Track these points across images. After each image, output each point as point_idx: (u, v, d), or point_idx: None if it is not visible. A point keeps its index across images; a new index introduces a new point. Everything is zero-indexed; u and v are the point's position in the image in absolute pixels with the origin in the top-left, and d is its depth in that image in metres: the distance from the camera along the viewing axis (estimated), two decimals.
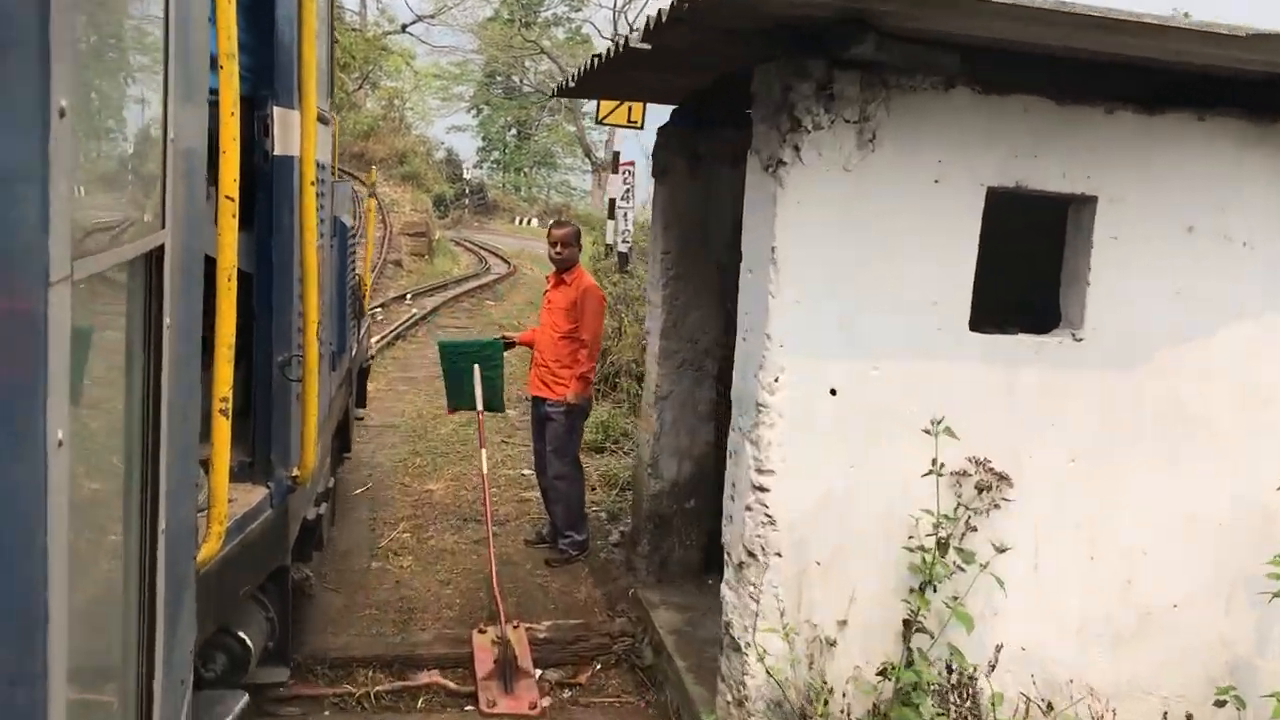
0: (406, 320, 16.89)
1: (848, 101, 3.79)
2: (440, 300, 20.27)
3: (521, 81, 55.47)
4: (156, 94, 1.95)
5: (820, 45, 3.74)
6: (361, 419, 9.11)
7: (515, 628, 5.78)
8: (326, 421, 4.87)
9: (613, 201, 18.30)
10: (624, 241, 14.64)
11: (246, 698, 3.27)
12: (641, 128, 17.01)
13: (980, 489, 4.01)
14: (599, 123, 17.12)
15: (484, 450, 6.28)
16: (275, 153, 3.81)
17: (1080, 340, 4.12)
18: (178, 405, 2.14)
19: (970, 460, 4.01)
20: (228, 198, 2.93)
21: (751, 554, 3.99)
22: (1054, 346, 4.11)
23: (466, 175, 54.03)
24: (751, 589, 4.00)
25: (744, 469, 4.02)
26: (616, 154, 18.27)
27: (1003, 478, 3.99)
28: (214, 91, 2.70)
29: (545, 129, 58.85)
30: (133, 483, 1.97)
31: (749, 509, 3.98)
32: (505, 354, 6.98)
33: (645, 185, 17.71)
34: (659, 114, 17.40)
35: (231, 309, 2.96)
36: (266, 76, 3.81)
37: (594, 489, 8.35)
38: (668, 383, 6.36)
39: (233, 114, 2.90)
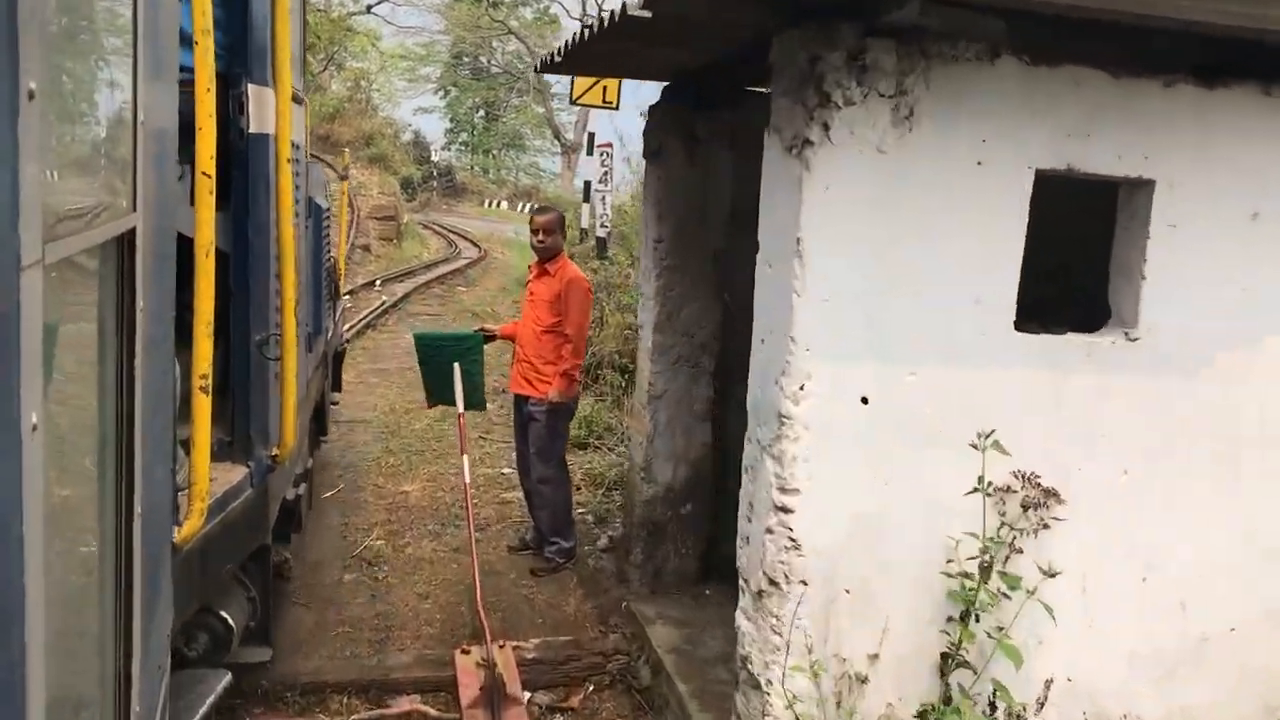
0: (377, 308, 16.35)
1: (882, 73, 3.36)
2: (410, 286, 19.74)
3: (489, 62, 54.90)
4: (126, 75, 1.94)
5: (850, 10, 3.31)
6: (337, 403, 8.88)
7: (501, 648, 5.34)
8: (304, 401, 4.81)
9: (588, 184, 17.88)
10: (602, 226, 14.16)
11: (229, 677, 3.32)
12: (616, 108, 16.61)
13: (1026, 507, 3.60)
14: (573, 103, 16.65)
15: (466, 457, 5.82)
16: (250, 130, 3.78)
17: (1134, 340, 3.71)
18: (152, 388, 2.16)
19: (1016, 475, 3.60)
20: (205, 174, 2.92)
21: (774, 582, 3.56)
22: (1106, 347, 3.70)
23: (434, 157, 53.49)
24: (773, 621, 3.58)
25: (764, 487, 3.59)
26: (591, 135, 17.77)
27: (1052, 494, 3.59)
28: (185, 69, 2.65)
29: (514, 110, 58.50)
30: (108, 467, 1.98)
31: (770, 532, 3.55)
32: (485, 347, 6.51)
33: (620, 168, 17.25)
34: (632, 95, 16.95)
35: (210, 286, 2.93)
36: (241, 54, 3.76)
37: (579, 489, 7.90)
38: (662, 380, 5.92)
39: (209, 90, 2.88)
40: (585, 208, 18.10)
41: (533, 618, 5.96)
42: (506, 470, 8.52)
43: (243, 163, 3.79)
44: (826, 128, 3.34)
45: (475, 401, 6.33)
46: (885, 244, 3.45)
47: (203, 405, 2.95)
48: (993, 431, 3.45)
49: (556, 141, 54.76)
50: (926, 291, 3.50)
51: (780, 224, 3.52)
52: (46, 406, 1.41)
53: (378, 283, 19.54)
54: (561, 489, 6.52)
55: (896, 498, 3.58)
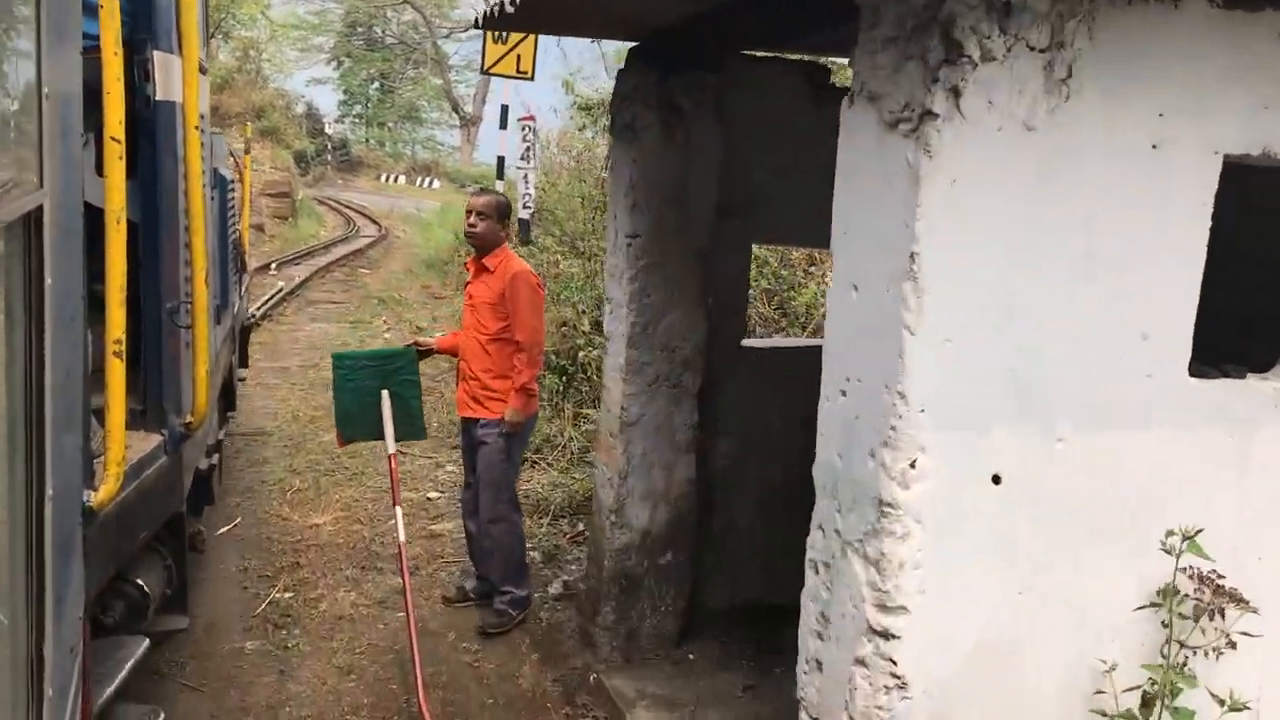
0: (274, 295, 14.92)
1: (1034, 16, 2.34)
2: (309, 270, 18.28)
3: (384, 33, 53.28)
4: (29, 44, 1.90)
5: None
6: (244, 379, 8.70)
7: None
8: (214, 372, 4.73)
9: (501, 160, 16.66)
10: (525, 207, 12.99)
11: (147, 643, 3.40)
12: (532, 78, 15.46)
13: (1200, 615, 2.64)
14: (485, 73, 15.45)
15: (399, 509, 4.69)
16: (157, 98, 3.73)
17: None
18: (61, 363, 2.14)
19: (1189, 574, 2.63)
20: (114, 139, 2.86)
21: None
22: None
23: (328, 130, 52.01)
24: None
25: (850, 599, 2.57)
26: (504, 108, 16.49)
27: (1236, 599, 2.63)
28: (89, 36, 2.55)
29: (410, 82, 57.38)
30: (17, 449, 1.96)
31: (863, 664, 2.53)
32: (420, 362, 5.41)
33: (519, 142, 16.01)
34: (548, 66, 15.70)
35: (122, 252, 2.91)
36: (145, 20, 3.68)
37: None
38: (636, 405, 4.87)
39: (115, 54, 2.82)
40: (499, 185, 16.86)
41: (481, 695, 4.87)
42: (433, 495, 7.39)
43: (149, 131, 3.72)
44: (956, 94, 2.31)
45: (412, 431, 5.25)
46: (1028, 260, 2.44)
47: (117, 370, 2.90)
48: (1198, 532, 2.47)
49: (455, 114, 53.33)
50: (1081, 325, 2.51)
51: (879, 231, 2.49)
52: None
53: (274, 266, 18.04)
54: (514, 530, 5.42)
55: (1033, 611, 2.59)
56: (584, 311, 8.99)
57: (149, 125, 3.72)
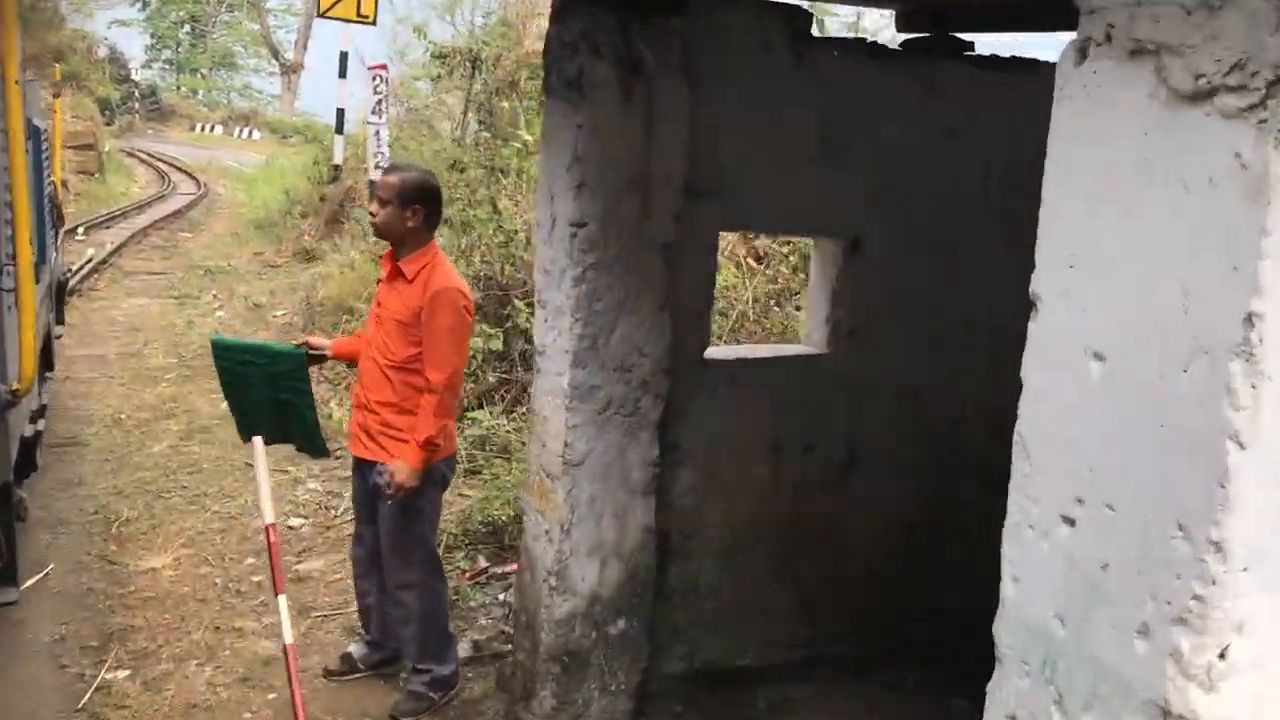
0: (84, 265, 13.15)
1: None
2: (123, 235, 16.40)
3: None
4: None
5: None
6: (60, 336, 8.35)
7: None
8: (39, 334, 4.67)
9: (341, 112, 15.34)
10: (378, 167, 11.64)
11: None
12: (374, 23, 14.22)
13: None
14: (322, 16, 14.02)
15: (283, 599, 3.56)
16: None
17: None
18: None
19: None
20: None
21: None
22: None
23: (135, 77, 49.01)
24: None
25: None
26: (344, 55, 15.00)
27: None
28: None
29: (224, 26, 54.75)
30: None
31: None
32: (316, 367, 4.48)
33: (360, 95, 14.64)
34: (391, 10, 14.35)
35: None
36: None
37: None
38: (583, 440, 3.85)
39: None
40: (339, 140, 15.47)
41: None
42: (295, 522, 6.18)
43: None
44: None
45: (311, 448, 4.40)
46: None
47: None
48: None
49: (274, 61, 50.72)
50: None
51: (1167, 270, 1.53)
52: None
53: (81, 230, 16.07)
54: (432, 592, 4.26)
55: None
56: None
57: None
